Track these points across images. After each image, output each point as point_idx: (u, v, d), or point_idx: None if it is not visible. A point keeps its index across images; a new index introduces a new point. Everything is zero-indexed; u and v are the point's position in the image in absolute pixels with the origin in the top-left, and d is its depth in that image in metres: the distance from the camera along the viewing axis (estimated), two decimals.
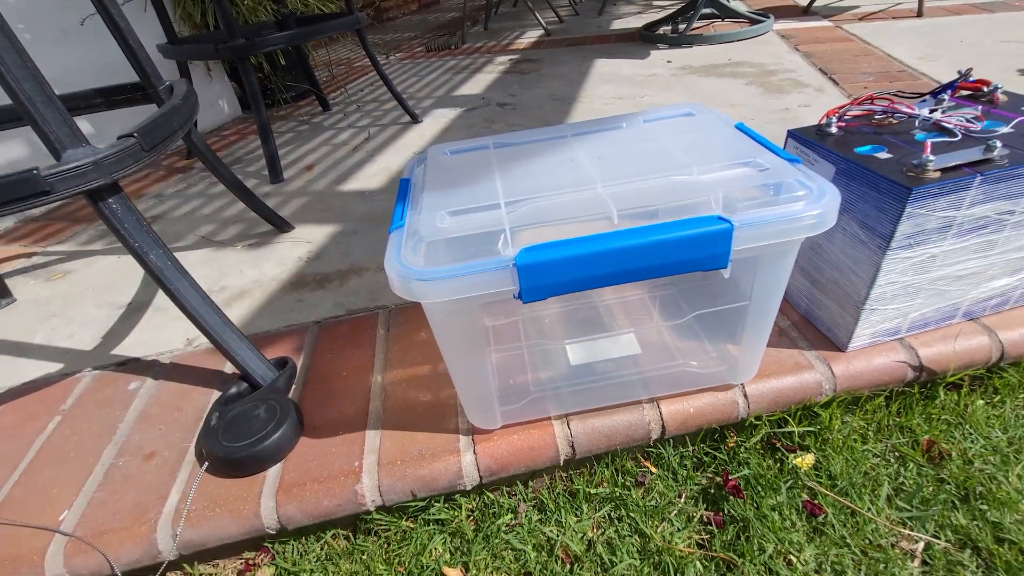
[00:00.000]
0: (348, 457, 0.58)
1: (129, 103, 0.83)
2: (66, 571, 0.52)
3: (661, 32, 2.30)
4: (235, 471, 0.57)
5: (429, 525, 0.59)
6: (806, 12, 2.45)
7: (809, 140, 0.62)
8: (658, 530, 0.57)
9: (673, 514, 0.58)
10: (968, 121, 0.58)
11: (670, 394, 0.60)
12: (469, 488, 0.58)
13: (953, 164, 0.51)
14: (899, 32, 1.99)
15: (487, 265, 0.42)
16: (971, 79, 0.67)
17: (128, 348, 0.82)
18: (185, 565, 0.58)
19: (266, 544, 0.58)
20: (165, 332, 0.85)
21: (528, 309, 0.72)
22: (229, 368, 0.74)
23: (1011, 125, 0.56)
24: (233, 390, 0.64)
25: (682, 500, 0.59)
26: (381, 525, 0.59)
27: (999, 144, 0.52)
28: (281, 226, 1.11)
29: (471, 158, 0.60)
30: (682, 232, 0.42)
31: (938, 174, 0.50)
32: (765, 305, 0.52)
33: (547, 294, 0.43)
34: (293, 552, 0.58)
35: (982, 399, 0.65)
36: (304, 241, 1.07)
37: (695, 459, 0.63)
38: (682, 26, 2.29)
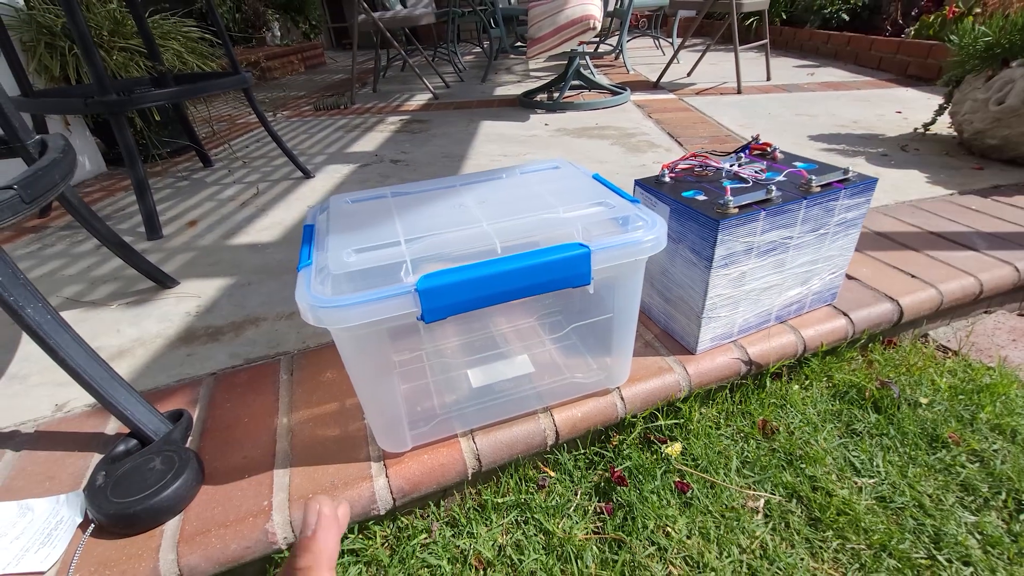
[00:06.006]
0: (256, 498, 0.58)
1: None
2: None
3: (538, 99, 2.59)
4: (129, 528, 0.54)
5: (343, 557, 0.60)
6: (655, 87, 2.92)
7: (650, 187, 0.77)
8: (559, 525, 0.63)
9: (571, 509, 0.65)
10: (756, 172, 0.77)
11: (560, 402, 0.69)
12: (383, 512, 0.61)
13: (745, 203, 0.68)
14: (725, 105, 2.45)
15: (392, 291, 0.48)
16: (759, 142, 0.89)
17: None
18: None
19: None
20: (26, 400, 0.76)
21: (431, 341, 0.78)
22: (112, 429, 0.69)
23: (783, 175, 0.77)
24: (121, 447, 0.61)
25: (578, 496, 0.67)
26: None
27: (775, 188, 0.70)
28: (164, 282, 1.06)
29: (371, 205, 0.66)
30: (553, 256, 0.52)
31: (736, 210, 0.67)
32: (626, 316, 0.63)
33: (446, 313, 0.50)
34: None
35: (797, 384, 0.83)
36: (191, 296, 1.03)
37: (587, 459, 0.72)
38: (556, 94, 2.60)
